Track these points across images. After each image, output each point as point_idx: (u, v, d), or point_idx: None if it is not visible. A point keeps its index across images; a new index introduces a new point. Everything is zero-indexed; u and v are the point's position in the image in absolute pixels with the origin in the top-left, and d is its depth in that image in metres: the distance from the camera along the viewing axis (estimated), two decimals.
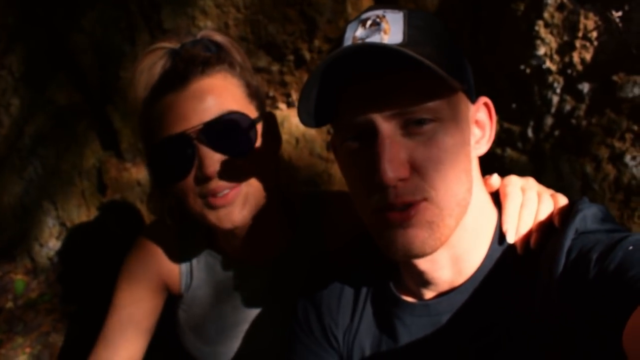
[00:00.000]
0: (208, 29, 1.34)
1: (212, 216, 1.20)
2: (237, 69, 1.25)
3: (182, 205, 1.25)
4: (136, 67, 1.25)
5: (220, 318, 1.44)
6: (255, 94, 1.28)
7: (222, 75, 1.22)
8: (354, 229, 1.23)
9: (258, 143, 1.23)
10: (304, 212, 1.43)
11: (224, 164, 1.18)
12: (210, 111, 1.17)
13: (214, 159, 1.17)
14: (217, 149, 1.17)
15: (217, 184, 1.17)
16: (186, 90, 1.17)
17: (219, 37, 1.30)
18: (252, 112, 1.24)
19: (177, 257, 1.45)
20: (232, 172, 1.19)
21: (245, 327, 1.43)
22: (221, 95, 1.19)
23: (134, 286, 1.42)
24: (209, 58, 1.22)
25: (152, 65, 1.23)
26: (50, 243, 2.56)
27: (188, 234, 1.45)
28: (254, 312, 1.42)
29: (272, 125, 1.33)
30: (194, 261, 1.44)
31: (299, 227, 1.41)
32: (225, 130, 1.18)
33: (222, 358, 1.44)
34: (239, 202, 1.20)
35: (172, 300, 1.50)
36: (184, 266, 1.44)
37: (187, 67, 1.18)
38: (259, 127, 1.25)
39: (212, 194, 1.18)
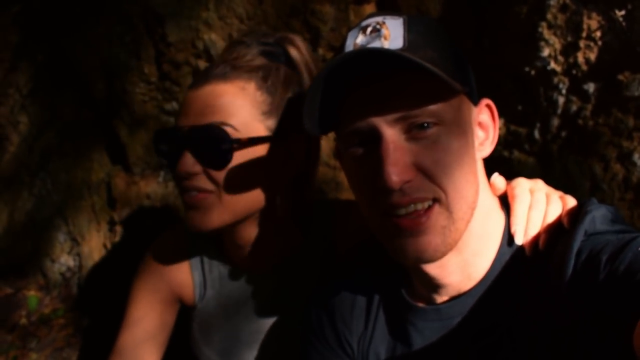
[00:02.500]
0: (292, 34, 1.33)
1: (186, 214, 1.23)
2: (268, 82, 1.23)
3: None
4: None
5: (233, 328, 1.44)
6: (275, 112, 1.24)
7: (241, 85, 1.20)
8: (363, 237, 1.24)
9: (237, 161, 1.20)
10: (315, 219, 1.43)
11: (197, 170, 1.20)
12: (200, 115, 1.18)
13: (190, 161, 1.19)
14: (193, 154, 1.19)
15: (187, 183, 1.20)
16: (200, 90, 1.20)
17: (293, 50, 1.29)
18: (256, 130, 1.21)
19: (190, 267, 1.45)
20: (204, 178, 1.20)
21: (258, 336, 1.43)
22: (224, 104, 1.19)
23: (146, 299, 1.42)
24: (243, 63, 1.23)
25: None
26: (62, 258, 2.57)
27: (200, 245, 1.45)
28: (266, 321, 1.42)
29: (291, 147, 1.28)
30: (207, 272, 1.44)
31: (310, 233, 1.41)
32: (204, 140, 1.18)
33: None
34: (204, 207, 1.20)
35: (184, 312, 1.50)
36: (197, 277, 1.44)
37: (218, 67, 1.22)
38: (245, 148, 1.21)
39: (184, 190, 1.21)
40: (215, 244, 1.44)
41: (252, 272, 1.41)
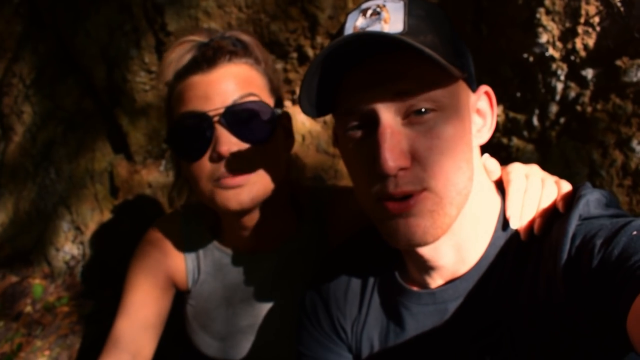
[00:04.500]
0: (236, 29, 1.37)
1: (220, 196, 1.22)
2: (262, 64, 1.28)
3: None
4: (165, 57, 1.29)
5: (228, 311, 1.45)
6: (276, 91, 1.31)
7: (247, 66, 1.25)
8: (356, 223, 1.25)
9: (275, 134, 1.26)
10: (310, 204, 1.44)
11: (239, 148, 1.20)
12: (232, 95, 1.19)
13: (230, 142, 1.19)
14: (235, 133, 1.20)
15: (230, 165, 1.19)
16: (211, 74, 1.20)
17: (246, 37, 1.32)
18: (271, 104, 1.27)
19: (183, 252, 1.46)
20: (245, 158, 1.21)
21: (252, 319, 1.44)
22: (245, 81, 1.22)
23: (142, 285, 1.44)
24: (236, 50, 1.25)
25: (180, 57, 1.26)
26: (66, 247, 2.59)
27: (194, 230, 1.47)
28: (260, 304, 1.43)
29: (287, 123, 1.36)
30: (201, 255, 1.46)
31: (304, 219, 1.43)
32: (246, 117, 1.20)
33: (231, 352, 1.46)
34: (247, 186, 1.21)
35: (180, 296, 1.52)
36: (191, 261, 1.46)
37: (215, 54, 1.22)
38: (278, 120, 1.28)
39: (223, 175, 1.20)
40: (210, 229, 1.45)
41: (248, 255, 1.43)
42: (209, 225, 1.46)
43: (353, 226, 1.29)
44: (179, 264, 1.46)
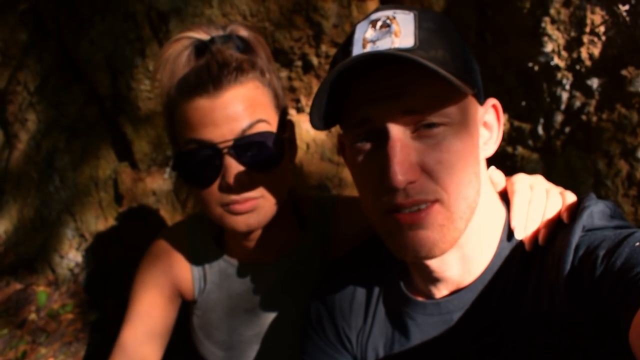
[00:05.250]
0: (236, 23, 1.32)
1: (230, 220, 1.23)
2: (266, 75, 1.26)
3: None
4: (161, 54, 1.26)
5: (233, 321, 1.45)
6: (281, 103, 1.30)
7: (254, 85, 1.22)
8: (359, 232, 1.26)
9: (283, 159, 1.26)
10: (313, 214, 1.44)
11: (248, 177, 1.20)
12: (241, 122, 1.18)
13: (240, 171, 1.19)
14: (244, 163, 1.19)
15: (240, 195, 1.20)
16: (219, 98, 1.17)
17: (246, 33, 1.30)
18: (277, 123, 1.26)
19: (190, 262, 1.47)
20: (255, 185, 1.21)
21: (257, 329, 1.44)
22: (252, 106, 1.20)
23: (149, 294, 1.44)
24: (242, 63, 1.21)
25: (177, 55, 1.24)
26: (70, 254, 2.60)
27: (200, 240, 1.47)
28: (265, 313, 1.43)
29: (291, 134, 1.35)
30: (207, 266, 1.46)
31: (307, 228, 1.43)
32: (255, 147, 1.19)
33: None
34: (256, 210, 1.22)
35: (186, 307, 1.52)
36: (197, 271, 1.46)
37: (221, 71, 1.18)
38: (285, 142, 1.27)
39: (233, 202, 1.20)
40: (215, 239, 1.45)
41: (252, 266, 1.43)
42: (214, 236, 1.46)
43: (356, 235, 1.29)
44: (186, 274, 1.46)
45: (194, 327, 1.51)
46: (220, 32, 1.27)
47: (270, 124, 1.23)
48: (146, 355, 1.41)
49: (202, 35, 1.25)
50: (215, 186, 1.20)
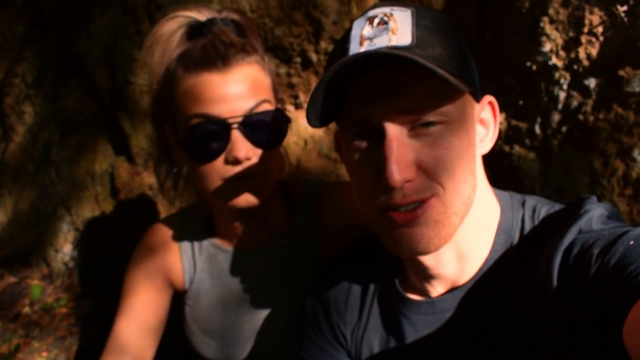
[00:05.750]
0: (228, 9, 1.35)
1: (232, 198, 1.25)
2: (265, 60, 1.30)
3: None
4: (154, 32, 1.27)
5: (225, 308, 1.46)
6: (276, 87, 1.34)
7: (258, 66, 1.26)
8: (346, 216, 1.32)
9: (284, 138, 1.30)
10: (302, 198, 1.47)
11: (253, 153, 1.23)
12: (249, 101, 1.21)
13: (247, 147, 1.22)
14: (250, 140, 1.22)
15: (246, 170, 1.23)
16: (229, 74, 1.20)
17: (240, 19, 1.32)
18: (275, 106, 1.30)
19: (180, 252, 1.47)
20: (260, 161, 1.25)
21: (249, 315, 1.44)
22: (258, 86, 1.24)
23: (141, 286, 1.45)
24: (244, 45, 1.24)
25: (172, 33, 1.25)
26: (65, 248, 2.59)
27: (189, 229, 1.48)
28: (256, 298, 1.44)
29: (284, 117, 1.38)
30: (197, 254, 1.47)
31: (296, 211, 1.45)
32: (261, 126, 1.23)
33: (230, 352, 1.46)
34: (259, 186, 1.26)
35: (178, 299, 1.52)
36: (187, 260, 1.47)
37: (228, 50, 1.21)
38: (285, 123, 1.32)
39: (236, 177, 1.23)
40: (205, 227, 1.47)
41: (243, 250, 1.44)
42: (204, 224, 1.47)
43: (343, 219, 1.34)
44: (176, 263, 1.47)
45: (186, 319, 1.51)
46: (216, 15, 1.29)
47: (271, 105, 1.27)
48: (141, 347, 1.41)
49: (198, 15, 1.27)
50: (220, 160, 1.22)
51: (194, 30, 1.25)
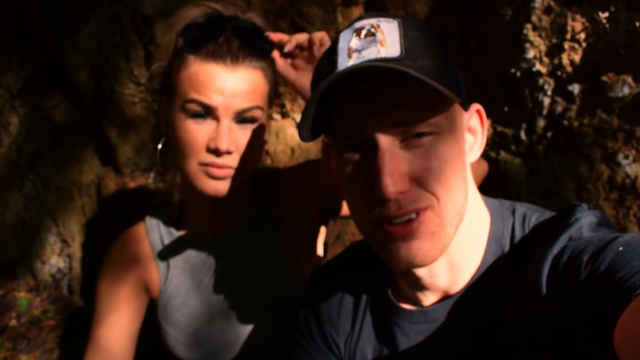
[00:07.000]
0: (252, 11, 1.39)
1: (201, 181, 1.29)
2: (271, 68, 1.34)
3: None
4: (178, 14, 1.33)
5: (196, 301, 1.47)
6: (272, 97, 1.40)
7: (262, 74, 1.31)
8: (300, 190, 1.47)
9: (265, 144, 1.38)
10: (262, 184, 1.53)
11: (234, 146, 1.28)
12: (244, 101, 1.26)
13: (230, 141, 1.26)
14: (237, 136, 1.28)
15: (224, 160, 1.27)
16: (234, 72, 1.25)
17: (262, 23, 1.36)
18: (266, 114, 1.36)
19: (151, 252, 1.49)
20: (239, 158, 1.29)
21: (220, 305, 1.47)
22: (256, 92, 1.29)
23: (115, 292, 1.45)
24: (256, 51, 1.29)
25: (193, 19, 1.30)
26: (52, 260, 2.57)
27: (158, 230, 1.50)
28: (227, 286, 1.46)
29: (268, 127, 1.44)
30: (169, 253, 1.49)
31: (257, 195, 1.51)
32: (248, 124, 1.29)
33: (206, 351, 1.46)
34: (229, 178, 1.30)
35: (152, 304, 1.52)
36: (160, 262, 1.49)
37: (240, 50, 1.27)
38: (268, 129, 1.40)
39: (212, 164, 1.27)
40: (175, 223, 1.50)
41: (212, 239, 1.47)
42: (173, 220, 1.50)
43: (296, 194, 1.47)
44: (149, 265, 1.48)
45: (159, 321, 1.51)
46: (239, 14, 1.34)
47: (263, 113, 1.32)
48: (120, 350, 1.41)
49: (222, 9, 1.32)
50: (201, 144, 1.27)
51: (216, 20, 1.30)
